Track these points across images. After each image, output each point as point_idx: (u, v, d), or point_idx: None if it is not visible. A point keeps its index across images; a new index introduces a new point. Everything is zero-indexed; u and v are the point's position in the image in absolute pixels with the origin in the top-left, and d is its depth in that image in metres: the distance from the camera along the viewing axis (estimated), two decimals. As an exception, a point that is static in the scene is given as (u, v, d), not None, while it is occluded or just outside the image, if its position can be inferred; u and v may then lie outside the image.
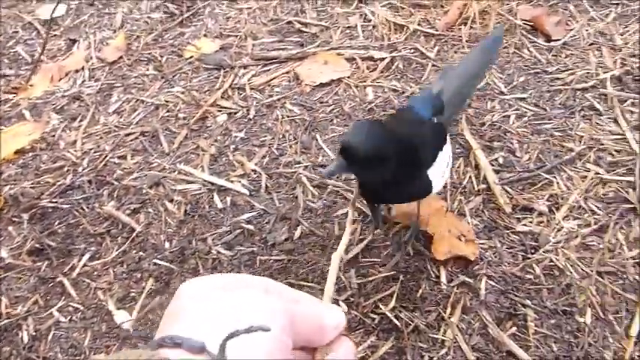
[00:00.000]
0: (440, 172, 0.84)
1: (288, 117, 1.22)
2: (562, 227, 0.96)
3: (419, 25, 1.38)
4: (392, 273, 0.95)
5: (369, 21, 1.42)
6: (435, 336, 0.86)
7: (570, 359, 0.82)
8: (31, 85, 1.36)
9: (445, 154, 0.86)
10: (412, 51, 1.33)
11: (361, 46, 1.35)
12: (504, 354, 0.83)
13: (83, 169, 1.15)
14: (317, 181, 1.09)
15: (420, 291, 0.91)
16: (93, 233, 1.04)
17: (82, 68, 1.38)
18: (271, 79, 1.31)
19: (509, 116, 1.15)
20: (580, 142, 1.08)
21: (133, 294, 0.96)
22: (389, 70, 1.29)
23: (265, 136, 1.19)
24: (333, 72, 1.30)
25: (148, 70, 1.38)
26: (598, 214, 0.97)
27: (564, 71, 1.23)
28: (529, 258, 0.93)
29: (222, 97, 1.28)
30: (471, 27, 1.34)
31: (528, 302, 0.88)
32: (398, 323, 0.88)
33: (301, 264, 0.97)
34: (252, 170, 1.12)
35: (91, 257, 1.01)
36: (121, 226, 1.06)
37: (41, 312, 0.96)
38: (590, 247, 0.94)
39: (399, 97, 1.22)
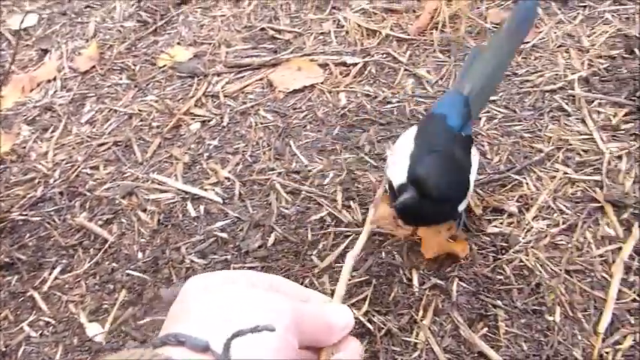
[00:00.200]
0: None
1: (261, 124, 1.22)
2: (532, 227, 0.98)
3: (391, 30, 1.40)
4: (365, 278, 0.95)
5: (342, 27, 1.42)
6: (407, 339, 0.87)
7: (540, 358, 0.83)
8: (1, 97, 1.34)
9: (473, 169, 0.89)
10: (385, 56, 1.34)
11: (334, 52, 1.36)
12: (476, 355, 0.84)
13: (54, 181, 1.14)
14: (290, 188, 1.09)
15: (393, 294, 0.92)
16: (64, 245, 1.03)
17: (54, 78, 1.37)
18: (245, 86, 1.31)
19: (479, 119, 1.16)
20: (549, 142, 1.10)
21: (105, 306, 0.96)
22: (362, 75, 1.30)
23: (239, 144, 1.19)
24: (306, 78, 1.31)
25: (121, 79, 1.37)
26: (567, 214, 0.99)
27: (533, 73, 1.25)
28: (499, 259, 0.94)
29: (195, 105, 1.28)
30: (442, 31, 1.36)
31: (499, 303, 0.89)
32: (371, 327, 0.88)
33: (275, 271, 0.97)
34: (226, 178, 1.12)
35: (63, 270, 1.00)
36: (94, 238, 1.05)
37: (11, 327, 0.95)
38: (559, 246, 0.95)
39: (372, 101, 1.23)
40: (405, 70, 1.30)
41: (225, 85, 1.32)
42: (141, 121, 1.26)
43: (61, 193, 1.11)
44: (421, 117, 1.18)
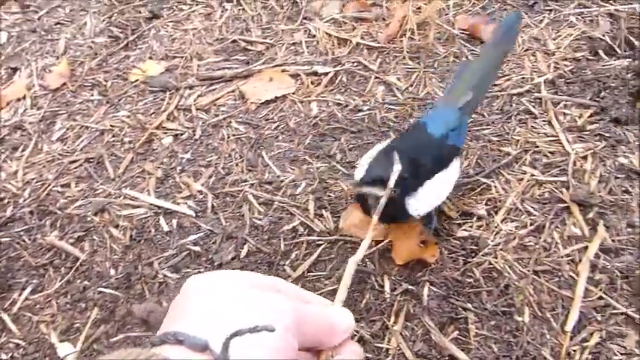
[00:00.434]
0: (431, 193, 0.86)
1: (234, 136, 1.22)
2: (500, 230, 0.99)
3: (361, 38, 1.41)
4: (337, 286, 0.95)
5: (313, 36, 1.44)
6: (379, 345, 0.87)
7: (510, 358, 0.84)
8: (-29, 117, 1.33)
9: (445, 178, 0.90)
10: (355, 64, 1.35)
11: (306, 62, 1.37)
12: (447, 358, 0.85)
13: (24, 200, 1.13)
14: (263, 199, 1.10)
15: (365, 301, 0.92)
16: (35, 265, 1.03)
17: (24, 97, 1.37)
18: (217, 99, 1.32)
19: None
20: (516, 145, 1.12)
21: (77, 325, 0.95)
22: (333, 84, 1.31)
23: (211, 156, 1.19)
24: (277, 89, 1.31)
25: (92, 95, 1.37)
26: (534, 215, 1.00)
27: (501, 77, 1.26)
28: (469, 262, 0.95)
29: (167, 119, 1.28)
30: (411, 38, 1.37)
31: (469, 305, 0.90)
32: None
33: (248, 282, 0.97)
34: (199, 191, 1.13)
35: (33, 290, 1.00)
36: (65, 256, 1.04)
37: (-19, 350, 0.94)
38: (527, 247, 0.96)
39: (343, 110, 1.24)
40: (376, 77, 1.31)
41: (198, 98, 1.33)
42: (113, 136, 1.26)
43: (31, 212, 1.11)
44: (391, 124, 1.19)
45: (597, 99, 1.18)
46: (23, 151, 1.24)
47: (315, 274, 0.98)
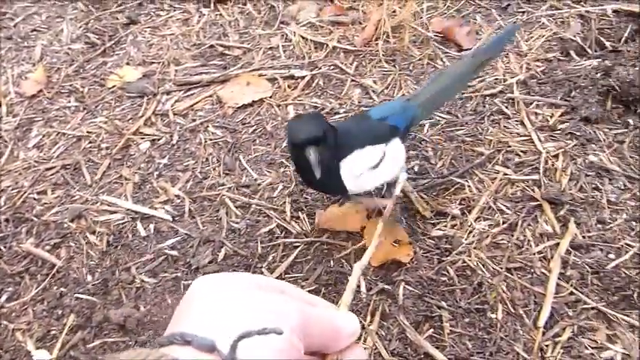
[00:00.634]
0: (361, 167, 0.87)
1: (211, 140, 1.23)
2: (474, 229, 1.00)
3: (338, 42, 1.42)
4: (314, 287, 0.96)
5: (290, 41, 1.45)
6: (355, 345, 0.88)
7: (484, 355, 0.85)
8: (-54, 125, 1.32)
9: (380, 152, 0.90)
10: (332, 67, 1.36)
11: (283, 66, 1.38)
12: (422, 356, 0.86)
13: (0, 208, 1.12)
14: (240, 202, 1.10)
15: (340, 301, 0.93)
16: (10, 273, 1.02)
17: (0, 104, 1.36)
18: (194, 104, 1.32)
19: (423, 125, 1.19)
20: (489, 145, 1.13)
21: (53, 332, 0.95)
22: (309, 88, 1.32)
23: (189, 161, 1.19)
24: (255, 93, 1.32)
25: (69, 102, 1.37)
26: (507, 214, 1.02)
27: (474, 78, 1.28)
28: (443, 261, 0.96)
29: (145, 125, 1.28)
30: (387, 41, 1.39)
31: (443, 304, 0.91)
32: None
33: (225, 285, 0.98)
34: (176, 196, 1.13)
35: (9, 298, 0.99)
36: (41, 263, 1.04)
37: (-44, 359, 0.93)
38: (500, 245, 0.98)
39: (320, 113, 1.25)
40: (352, 80, 1.32)
41: (175, 103, 1.33)
42: (90, 143, 1.26)
43: (6, 220, 1.10)
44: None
45: (568, 98, 1.20)
46: (-1, 158, 1.24)
47: (292, 276, 0.99)
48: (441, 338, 0.88)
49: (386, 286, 0.94)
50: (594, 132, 1.13)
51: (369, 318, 0.91)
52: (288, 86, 1.33)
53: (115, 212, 1.11)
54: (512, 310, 0.90)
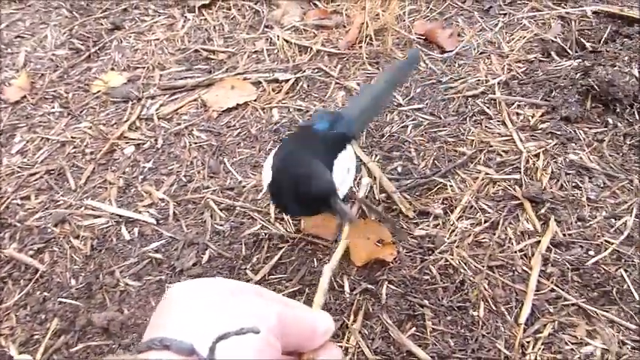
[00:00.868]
0: (341, 176, 0.87)
1: (195, 143, 1.23)
2: (456, 228, 1.01)
3: (322, 45, 1.43)
4: (298, 287, 0.97)
5: (275, 44, 1.45)
6: (338, 344, 0.88)
7: (466, 352, 0.86)
8: None
9: (347, 159, 0.91)
10: (316, 71, 1.37)
11: (267, 70, 1.39)
12: (405, 354, 0.86)
13: (-17, 214, 1.12)
14: (225, 204, 1.10)
15: (324, 301, 0.93)
16: (-7, 278, 1.02)
17: (-17, 111, 1.35)
18: (179, 108, 1.33)
19: (407, 126, 1.20)
20: (471, 145, 1.15)
21: (36, 336, 0.95)
22: (294, 91, 1.33)
23: (173, 164, 1.20)
24: (239, 96, 1.33)
25: (53, 107, 1.37)
26: (489, 212, 1.03)
27: (457, 80, 1.30)
28: (426, 260, 0.97)
29: (129, 129, 1.28)
30: (370, 44, 1.40)
31: (426, 302, 0.92)
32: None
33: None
34: (160, 199, 1.13)
35: (-9, 303, 0.99)
36: (24, 268, 1.04)
37: (-62, 365, 0.93)
38: (482, 243, 0.99)
39: (304, 115, 1.26)
40: (336, 83, 1.33)
41: (160, 107, 1.33)
42: (74, 148, 1.26)
43: (-11, 225, 1.10)
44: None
45: (548, 99, 1.22)
46: (-18, 164, 1.23)
47: (276, 277, 0.99)
48: (423, 336, 0.88)
49: (369, 286, 0.95)
50: (574, 131, 1.15)
51: (352, 317, 0.91)
52: (273, 89, 1.34)
53: (99, 216, 1.11)
54: (493, 307, 0.91)
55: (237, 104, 1.31)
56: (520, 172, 1.08)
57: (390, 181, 1.09)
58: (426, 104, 1.25)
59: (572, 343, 0.86)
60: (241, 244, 1.04)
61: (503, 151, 1.13)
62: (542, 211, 1.02)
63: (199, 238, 1.05)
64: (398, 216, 1.04)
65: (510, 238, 0.99)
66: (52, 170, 1.21)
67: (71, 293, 1.00)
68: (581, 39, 1.35)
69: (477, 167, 1.11)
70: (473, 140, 1.15)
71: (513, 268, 0.95)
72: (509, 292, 0.92)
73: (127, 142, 1.26)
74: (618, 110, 1.15)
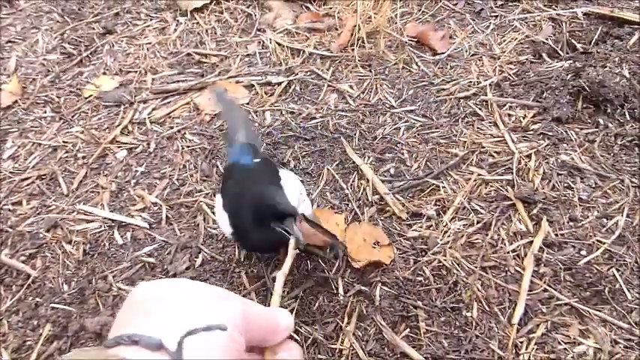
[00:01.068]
0: (296, 196, 0.88)
1: (188, 147, 1.23)
2: (449, 229, 1.01)
3: (314, 48, 1.44)
4: (295, 292, 0.96)
5: (267, 48, 1.46)
6: (333, 346, 0.88)
7: (459, 353, 0.86)
8: None
9: (287, 177, 0.93)
10: (308, 73, 1.37)
11: (260, 73, 1.39)
12: (398, 355, 0.86)
13: (-26, 219, 1.11)
14: (218, 208, 1.10)
15: (318, 304, 0.93)
16: (-16, 284, 1.01)
17: (-26, 116, 1.35)
18: (171, 111, 1.32)
19: (399, 128, 1.21)
20: (464, 147, 1.15)
21: (29, 342, 0.94)
22: (286, 94, 1.33)
23: (166, 168, 1.19)
24: (232, 99, 1.32)
25: (45, 112, 1.36)
26: (481, 213, 1.03)
27: (449, 82, 1.30)
28: (419, 261, 0.97)
29: (122, 133, 1.28)
30: (362, 47, 1.41)
31: (419, 303, 0.92)
32: (297, 338, 0.90)
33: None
34: (153, 203, 1.13)
35: (-17, 309, 0.98)
36: (16, 274, 1.03)
37: None
38: (475, 244, 0.99)
39: (296, 118, 1.26)
40: (329, 86, 1.33)
41: (152, 111, 1.33)
42: (66, 152, 1.25)
43: (-20, 231, 1.09)
44: (344, 130, 1.21)
45: (540, 100, 1.22)
46: (-27, 170, 1.22)
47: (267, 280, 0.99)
48: (417, 338, 0.88)
49: (363, 288, 0.95)
50: (566, 132, 1.15)
51: (346, 319, 0.91)
52: (265, 92, 1.34)
53: (91, 221, 1.11)
54: (487, 308, 0.91)
55: (230, 107, 1.30)
56: (512, 173, 1.08)
57: (383, 182, 1.09)
58: (419, 106, 1.25)
59: (565, 343, 0.86)
60: (234, 247, 1.04)
61: (496, 152, 1.13)
62: (535, 211, 1.02)
63: (192, 242, 1.05)
64: (391, 217, 1.04)
65: (503, 239, 0.99)
66: (44, 175, 1.20)
67: (64, 298, 0.99)
68: (572, 40, 1.35)
69: (470, 168, 1.11)
70: (465, 142, 1.16)
71: (506, 269, 0.95)
72: (502, 292, 0.93)
73: (119, 147, 1.25)
74: (609, 111, 1.16)
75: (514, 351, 0.86)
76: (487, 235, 1.00)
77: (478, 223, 1.02)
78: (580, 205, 1.03)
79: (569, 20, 1.42)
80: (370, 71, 1.36)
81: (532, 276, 0.93)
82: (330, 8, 1.54)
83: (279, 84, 1.35)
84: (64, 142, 1.27)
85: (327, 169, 1.13)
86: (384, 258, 0.98)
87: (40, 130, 1.31)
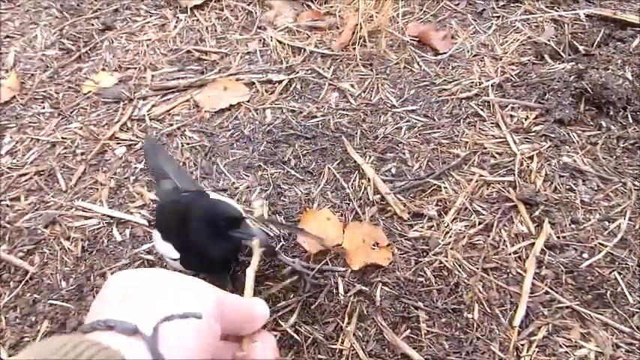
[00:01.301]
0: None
1: (188, 144, 1.22)
2: (450, 229, 1.01)
3: (315, 46, 1.43)
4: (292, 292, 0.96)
5: (268, 45, 1.45)
6: (333, 346, 0.88)
7: (460, 354, 0.85)
8: None
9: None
10: (309, 72, 1.37)
11: (260, 70, 1.38)
12: (399, 356, 0.86)
13: (-29, 215, 1.10)
14: (217, 206, 1.09)
15: (318, 303, 0.93)
16: (-19, 280, 1.00)
17: (-28, 111, 1.33)
18: (171, 109, 1.31)
19: (401, 128, 1.20)
20: (465, 147, 1.14)
21: (26, 339, 0.93)
22: (287, 92, 1.32)
23: (165, 166, 1.18)
24: (232, 97, 1.32)
25: (43, 108, 1.35)
26: (483, 214, 1.03)
27: (451, 82, 1.30)
28: (420, 261, 0.97)
29: (121, 130, 1.27)
30: (364, 46, 1.40)
31: (420, 304, 0.91)
32: (298, 338, 0.89)
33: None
34: (152, 200, 1.12)
35: (-20, 306, 0.97)
36: (14, 270, 1.02)
37: None
38: (477, 245, 0.99)
39: (297, 116, 1.25)
40: (330, 84, 1.33)
41: (152, 108, 1.32)
42: (65, 148, 1.24)
43: (-22, 227, 1.08)
44: (344, 129, 1.21)
45: (542, 101, 1.22)
46: (-30, 165, 1.21)
47: (259, 276, 0.98)
48: (418, 339, 0.88)
49: (363, 288, 0.94)
50: (568, 134, 1.15)
51: (346, 319, 0.91)
52: (266, 90, 1.33)
53: (90, 218, 1.10)
54: (488, 309, 0.90)
55: (230, 105, 1.30)
56: (514, 174, 1.08)
57: (384, 182, 1.08)
58: (420, 106, 1.25)
59: (567, 346, 0.86)
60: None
61: (497, 153, 1.13)
62: (536, 213, 1.02)
63: (192, 240, 1.04)
64: (392, 217, 1.04)
65: (504, 240, 0.99)
66: (42, 171, 1.19)
67: (62, 295, 0.98)
68: (575, 42, 1.35)
69: (471, 169, 1.10)
70: (467, 142, 1.15)
71: (507, 271, 0.95)
72: (504, 294, 0.92)
73: (118, 143, 1.24)
74: (612, 113, 1.16)
75: (515, 353, 0.85)
76: (488, 236, 1.00)
77: (480, 224, 1.01)
78: (582, 208, 1.02)
79: (571, 22, 1.42)
80: (371, 70, 1.35)
81: (533, 278, 0.93)
82: (332, 7, 1.54)
83: (280, 82, 1.34)
84: (62, 138, 1.26)
85: (328, 168, 1.13)
86: (381, 260, 0.97)
87: (38, 126, 1.30)
